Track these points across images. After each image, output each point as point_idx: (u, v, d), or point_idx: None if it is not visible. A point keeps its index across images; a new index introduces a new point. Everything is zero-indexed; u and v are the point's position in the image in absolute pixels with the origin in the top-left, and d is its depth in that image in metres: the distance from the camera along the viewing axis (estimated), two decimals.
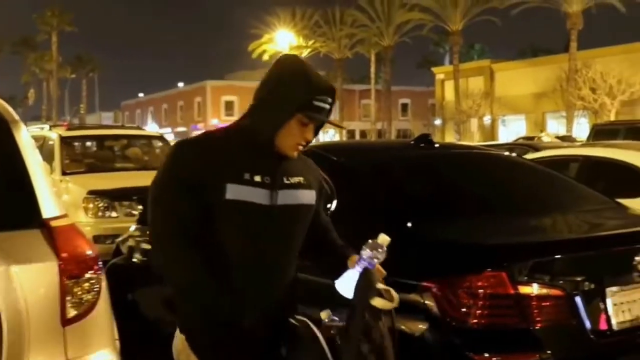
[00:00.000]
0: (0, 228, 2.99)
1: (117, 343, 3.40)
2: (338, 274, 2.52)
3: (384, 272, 2.45)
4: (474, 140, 42.19)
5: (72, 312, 3.03)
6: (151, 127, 72.61)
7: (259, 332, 2.38)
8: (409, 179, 3.93)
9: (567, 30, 41.03)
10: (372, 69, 59.75)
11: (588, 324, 3.05)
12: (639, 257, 3.21)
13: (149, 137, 12.34)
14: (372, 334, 2.33)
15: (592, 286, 3.11)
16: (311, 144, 4.08)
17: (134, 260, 5.68)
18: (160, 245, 2.36)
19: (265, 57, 60.10)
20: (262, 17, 59.13)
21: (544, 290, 2.98)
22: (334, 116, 67.29)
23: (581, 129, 36.56)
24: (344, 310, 2.42)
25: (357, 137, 59.41)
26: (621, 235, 3.53)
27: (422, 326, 2.44)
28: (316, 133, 2.45)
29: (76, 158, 11.30)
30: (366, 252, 2.40)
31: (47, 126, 12.28)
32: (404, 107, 75.63)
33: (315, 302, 2.54)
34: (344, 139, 58.22)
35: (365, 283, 2.37)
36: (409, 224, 3.31)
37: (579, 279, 3.11)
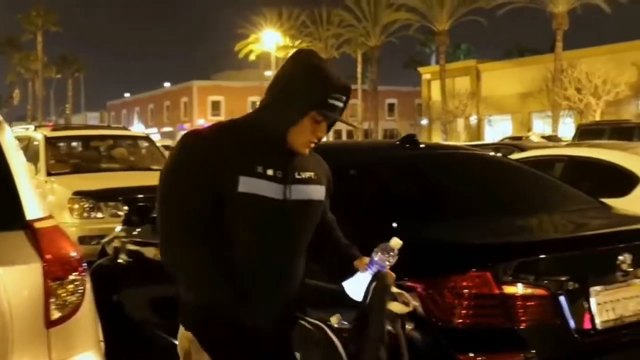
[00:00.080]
0: None
1: (102, 345, 3.38)
2: (344, 275, 2.50)
3: (393, 275, 2.43)
4: (460, 140, 42.33)
5: (56, 314, 3.01)
6: (137, 127, 72.40)
7: (268, 328, 2.36)
8: (394, 180, 3.94)
9: (553, 31, 41.29)
10: (359, 69, 59.79)
11: (572, 324, 3.07)
12: (622, 257, 3.23)
13: (135, 138, 12.30)
14: (389, 339, 2.33)
15: (576, 286, 3.13)
16: None
17: (120, 261, 5.66)
18: (170, 240, 2.32)
19: (252, 57, 60.15)
20: (249, 17, 59.19)
21: (529, 290, 2.99)
22: None
23: (567, 128, 36.75)
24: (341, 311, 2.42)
25: (344, 137, 59.39)
26: (605, 235, 3.56)
27: (407, 326, 2.45)
28: (328, 130, 2.43)
29: (61, 159, 11.25)
30: (378, 255, 2.39)
31: (32, 126, 12.23)
32: (391, 107, 75.79)
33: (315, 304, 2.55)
34: (331, 139, 58.25)
35: (380, 287, 2.35)
36: (395, 225, 3.32)
37: (563, 278, 3.12)
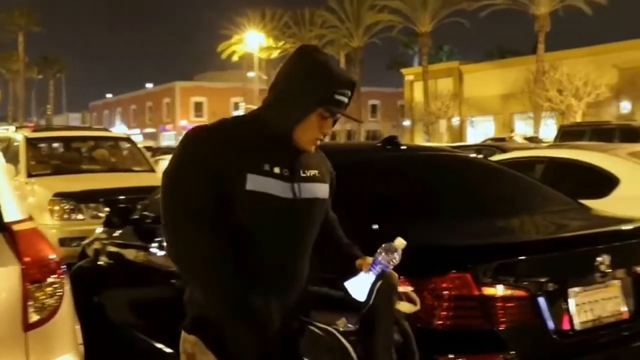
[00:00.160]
0: None
1: (81, 347, 3.37)
2: (345, 275, 2.49)
3: (396, 275, 2.42)
4: (443, 141, 42.48)
5: (34, 317, 2.99)
6: (119, 128, 72.09)
7: (276, 327, 2.34)
8: (375, 181, 3.94)
9: (535, 32, 41.55)
10: None
11: (551, 324, 3.09)
12: (600, 258, 3.26)
13: (116, 139, 12.26)
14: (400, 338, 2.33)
15: (555, 287, 3.15)
16: None
17: (100, 263, 5.63)
18: (176, 233, 2.28)
19: (235, 58, 60.02)
20: (232, 17, 59.07)
21: (508, 292, 3.01)
22: None
23: (548, 130, 36.97)
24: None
25: (326, 138, 59.30)
26: (583, 236, 3.58)
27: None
28: (333, 125, 2.43)
29: (42, 160, 11.22)
30: (382, 256, 2.38)
31: (12, 127, 12.18)
32: (374, 108, 75.89)
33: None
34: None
35: (387, 287, 2.34)
36: (375, 227, 3.32)
37: (542, 279, 3.14)
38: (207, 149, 2.29)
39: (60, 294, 3.10)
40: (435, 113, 47.26)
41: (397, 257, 2.39)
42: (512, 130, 36.54)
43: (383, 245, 2.41)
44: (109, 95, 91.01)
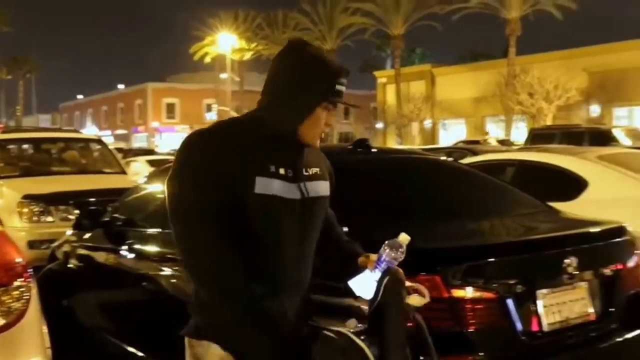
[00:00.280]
0: None
1: (49, 351, 3.34)
2: (347, 273, 2.49)
3: (401, 270, 2.41)
4: (415, 143, 42.66)
5: (0, 321, 2.96)
6: (90, 130, 71.52)
7: (289, 329, 2.32)
8: (345, 184, 3.94)
9: (506, 36, 41.91)
10: None
11: (519, 326, 3.12)
12: (568, 260, 3.29)
13: (87, 140, 12.16)
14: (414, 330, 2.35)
15: (524, 289, 3.18)
16: None
17: (70, 265, 5.60)
18: (187, 240, 2.25)
19: (207, 59, 59.82)
20: (204, 19, 58.84)
21: (477, 294, 3.03)
22: None
23: (520, 132, 37.30)
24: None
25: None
26: (551, 238, 3.61)
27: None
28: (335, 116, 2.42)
29: (11, 161, 11.11)
30: (387, 252, 2.38)
31: None
32: (346, 110, 75.96)
33: None
34: None
35: (395, 282, 2.34)
36: (346, 229, 3.32)
37: (511, 281, 3.16)
38: (213, 153, 2.25)
39: (27, 297, 3.07)
40: (407, 116, 47.46)
41: (402, 253, 2.39)
42: (486, 133, 36.81)
43: (387, 241, 2.41)
44: (79, 96, 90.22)
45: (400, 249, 2.39)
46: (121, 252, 4.86)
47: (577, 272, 3.34)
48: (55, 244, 6.11)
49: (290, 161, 2.35)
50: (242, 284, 2.21)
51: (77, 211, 7.26)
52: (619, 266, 3.68)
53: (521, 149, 10.61)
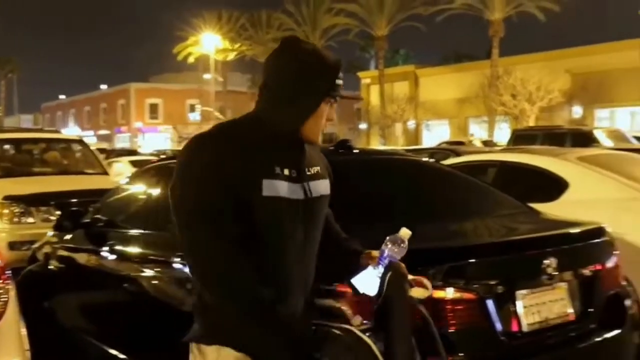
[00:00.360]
0: None
1: (28, 353, 3.32)
2: (348, 271, 2.48)
3: (403, 265, 2.42)
4: (399, 144, 42.76)
5: None
6: (72, 130, 71.13)
7: (299, 329, 2.31)
8: None
9: (489, 38, 42.11)
10: None
11: (499, 326, 3.13)
12: (547, 261, 3.32)
13: (68, 141, 12.09)
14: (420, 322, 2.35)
15: (503, 289, 3.19)
16: None
17: (51, 267, 5.56)
18: (195, 247, 2.20)
19: (191, 59, 59.64)
20: (188, 19, 58.64)
21: (458, 294, 3.04)
22: None
23: (502, 133, 37.47)
24: None
25: None
26: (531, 239, 3.63)
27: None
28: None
29: None
30: (389, 248, 2.38)
31: None
32: None
33: None
34: None
35: (398, 277, 2.34)
36: None
37: (491, 282, 3.18)
38: (217, 156, 2.22)
39: (5, 299, 3.06)
40: (391, 116, 47.56)
41: (403, 248, 2.39)
42: (472, 135, 37.00)
43: (388, 237, 2.42)
44: (62, 97, 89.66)
45: (402, 244, 2.40)
46: (102, 253, 4.85)
47: (556, 273, 3.36)
48: (36, 245, 6.08)
49: (294, 161, 2.34)
50: (252, 286, 2.19)
51: (58, 212, 7.21)
52: (598, 267, 3.71)
53: (503, 150, 10.65)
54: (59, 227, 5.31)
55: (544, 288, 3.37)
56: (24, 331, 3.38)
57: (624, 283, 4.01)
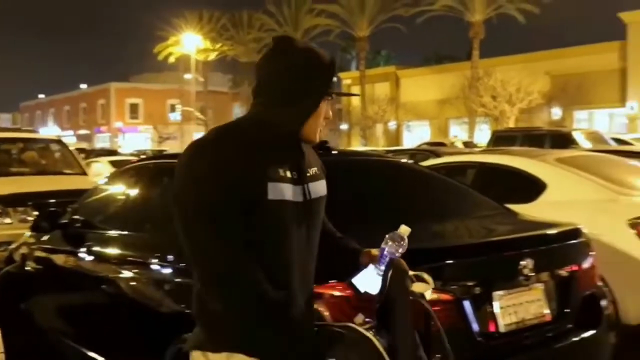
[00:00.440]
0: None
1: (2, 356, 3.29)
2: (348, 271, 2.47)
3: (403, 261, 2.41)
4: (380, 145, 42.84)
5: None
6: (52, 130, 70.64)
7: (308, 329, 2.30)
8: None
9: (470, 39, 42.31)
10: None
11: (476, 327, 3.15)
12: (524, 262, 3.34)
13: (46, 141, 12.00)
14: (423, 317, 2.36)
15: (480, 290, 3.21)
16: None
17: (28, 268, 5.52)
18: (204, 253, 2.15)
19: (172, 59, 59.41)
20: (169, 19, 58.43)
21: (435, 296, 3.03)
22: None
23: (483, 135, 37.66)
24: None
25: None
26: (508, 241, 3.65)
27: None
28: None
29: None
30: (389, 245, 2.38)
31: None
32: None
33: None
34: None
35: (399, 273, 2.35)
36: None
37: (468, 283, 3.20)
38: (221, 160, 2.17)
39: None
40: (372, 117, 47.65)
41: (403, 245, 2.39)
42: (455, 136, 37.15)
43: (387, 235, 2.41)
44: (41, 96, 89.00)
45: (402, 241, 2.40)
46: (80, 254, 4.81)
47: (533, 274, 3.39)
48: (13, 246, 6.02)
49: (295, 163, 2.31)
50: (263, 288, 2.16)
51: (35, 213, 7.15)
52: (575, 267, 3.74)
53: (482, 151, 10.71)
54: (37, 228, 5.26)
55: (520, 289, 3.39)
56: None
57: (599, 284, 4.05)
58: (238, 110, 66.91)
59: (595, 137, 19.27)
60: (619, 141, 19.71)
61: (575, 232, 3.87)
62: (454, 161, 7.83)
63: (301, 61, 2.27)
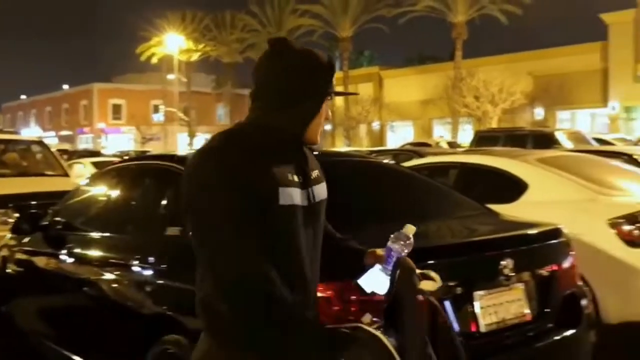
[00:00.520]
0: None
1: None
2: (353, 273, 2.46)
3: (410, 259, 2.41)
4: (363, 145, 42.90)
5: None
6: (34, 131, 70.19)
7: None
8: None
9: (453, 40, 42.46)
10: None
11: (456, 327, 3.16)
12: (504, 262, 3.36)
13: (27, 142, 11.90)
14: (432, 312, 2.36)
15: (461, 290, 3.23)
16: (178, 155, 4.02)
17: (8, 270, 5.49)
18: (229, 261, 2.09)
19: (154, 60, 59.19)
20: (151, 19, 58.21)
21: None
22: (224, 121, 66.25)
23: (466, 135, 37.80)
24: None
25: None
26: (488, 241, 3.67)
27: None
28: None
29: None
30: (395, 245, 2.38)
31: None
32: None
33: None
34: None
35: (407, 272, 2.34)
36: None
37: (449, 283, 3.20)
38: (232, 166, 2.13)
39: None
40: (355, 118, 47.68)
41: (409, 244, 2.39)
42: (441, 137, 37.26)
43: (393, 235, 2.41)
44: (23, 97, 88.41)
45: (407, 240, 2.40)
46: (61, 256, 4.79)
47: (513, 274, 3.42)
48: None
49: (300, 166, 2.30)
50: (287, 295, 2.12)
51: (16, 214, 7.09)
52: (555, 267, 3.77)
53: (465, 152, 10.75)
54: (17, 230, 5.23)
55: (501, 289, 3.41)
56: None
57: (580, 283, 4.08)
58: (221, 111, 66.81)
59: (577, 137, 19.37)
60: (600, 141, 19.85)
61: (556, 232, 3.90)
62: (437, 161, 7.85)
63: (299, 62, 2.25)
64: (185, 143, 59.63)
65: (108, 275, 4.29)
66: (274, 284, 2.10)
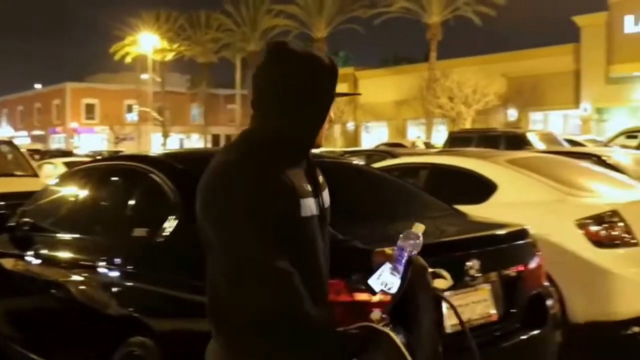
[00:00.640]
0: None
1: None
2: (362, 270, 2.46)
3: (421, 257, 2.40)
4: (338, 146, 42.93)
5: None
6: (5, 130, 69.44)
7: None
8: None
9: (427, 41, 42.66)
10: (238, 74, 59.55)
11: None
12: (470, 263, 3.38)
13: None
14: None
15: None
16: (157, 154, 3.97)
17: None
18: (258, 275, 2.04)
19: (128, 59, 58.86)
20: (125, 19, 57.87)
21: (382, 296, 3.06)
22: (199, 121, 65.91)
23: (440, 136, 37.99)
24: None
25: (223, 142, 59.01)
26: (455, 241, 3.69)
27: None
28: None
29: None
30: (406, 243, 2.36)
31: None
32: None
33: None
34: (209, 145, 57.88)
35: (420, 271, 2.34)
36: None
37: None
38: (255, 178, 2.07)
39: None
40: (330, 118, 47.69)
41: (419, 243, 2.38)
42: (418, 137, 37.37)
43: (402, 234, 2.40)
44: None
45: (417, 239, 2.39)
46: (28, 258, 4.74)
47: (479, 274, 3.43)
48: None
49: (311, 175, 2.27)
50: (311, 310, 2.08)
51: None
52: (521, 268, 3.80)
53: (436, 153, 10.79)
54: None
55: (467, 289, 3.43)
56: None
57: (546, 283, 4.11)
58: (196, 111, 66.57)
59: (549, 138, 19.52)
60: (572, 142, 20.03)
61: (522, 233, 3.93)
62: (408, 162, 7.87)
63: (302, 66, 2.19)
64: (159, 143, 59.37)
65: (75, 277, 4.25)
66: (302, 300, 2.06)
